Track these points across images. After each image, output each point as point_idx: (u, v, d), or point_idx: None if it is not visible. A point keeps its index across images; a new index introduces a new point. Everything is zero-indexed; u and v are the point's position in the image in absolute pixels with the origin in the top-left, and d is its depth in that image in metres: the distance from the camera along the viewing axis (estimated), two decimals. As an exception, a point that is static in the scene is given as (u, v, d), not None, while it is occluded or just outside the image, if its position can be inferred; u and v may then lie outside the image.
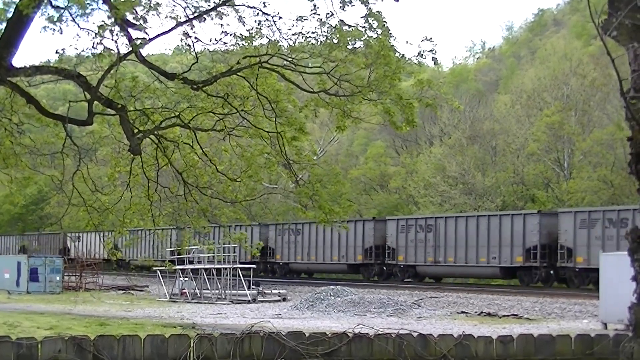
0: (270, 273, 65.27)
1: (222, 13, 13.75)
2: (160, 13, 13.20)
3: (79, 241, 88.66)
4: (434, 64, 14.47)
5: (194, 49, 14.34)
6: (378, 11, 13.50)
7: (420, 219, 55.65)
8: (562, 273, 46.44)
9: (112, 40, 12.99)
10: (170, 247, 54.20)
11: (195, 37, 13.93)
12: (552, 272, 47.38)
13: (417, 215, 59.71)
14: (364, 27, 13.58)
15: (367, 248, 57.70)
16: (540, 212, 48.89)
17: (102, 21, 12.76)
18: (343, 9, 13.55)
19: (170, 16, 13.54)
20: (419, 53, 13.82)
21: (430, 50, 13.80)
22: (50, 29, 12.96)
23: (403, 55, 13.85)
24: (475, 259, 50.24)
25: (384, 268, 57.50)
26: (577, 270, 44.83)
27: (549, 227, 47.04)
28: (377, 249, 57.19)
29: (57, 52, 13.84)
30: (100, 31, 12.71)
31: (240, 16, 13.94)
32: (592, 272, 41.58)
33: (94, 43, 13.04)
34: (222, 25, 13.94)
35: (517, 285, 49.90)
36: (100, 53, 13.07)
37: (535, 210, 50.10)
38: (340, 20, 13.76)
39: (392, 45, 13.61)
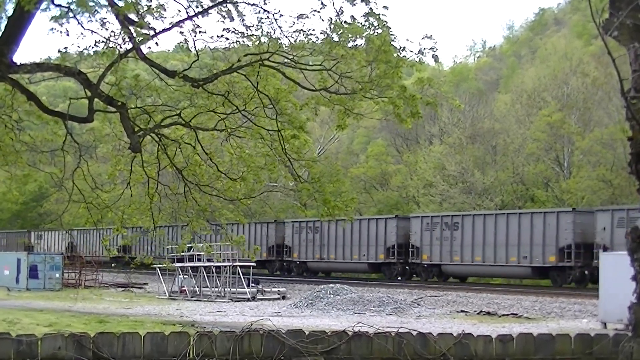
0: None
1: (225, 11, 13.73)
2: (164, 17, 13.21)
3: (40, 239, 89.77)
4: (435, 61, 14.46)
5: (195, 47, 14.35)
6: (379, 13, 13.50)
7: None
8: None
9: (114, 37, 13.01)
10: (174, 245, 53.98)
11: (200, 31, 13.91)
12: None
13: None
14: (365, 24, 13.57)
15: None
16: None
17: (103, 17, 12.78)
18: (352, 4, 13.52)
19: (172, 21, 13.55)
20: (419, 51, 13.80)
21: (432, 48, 13.79)
22: (57, 30, 12.96)
23: (404, 47, 13.83)
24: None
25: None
26: None
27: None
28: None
29: (59, 51, 13.85)
30: (102, 27, 12.73)
31: (240, 12, 13.92)
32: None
33: (96, 41, 13.06)
34: (224, 19, 13.90)
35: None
36: (104, 52, 13.07)
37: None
38: (337, 15, 13.75)
39: (393, 40, 13.59)
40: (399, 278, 55.74)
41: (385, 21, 13.52)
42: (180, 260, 50.87)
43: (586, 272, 45.82)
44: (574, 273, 46.06)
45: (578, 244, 45.25)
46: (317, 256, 60.83)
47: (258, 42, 14.08)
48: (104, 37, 12.97)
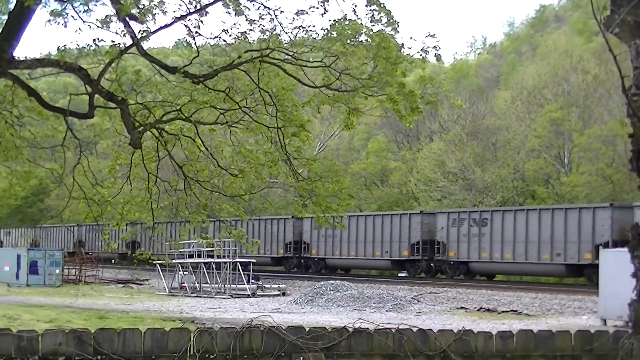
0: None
1: (225, 4, 13.71)
2: (166, 11, 13.19)
3: (9, 236, 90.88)
4: (437, 60, 14.45)
5: (195, 43, 14.34)
6: (382, 3, 13.49)
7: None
8: None
9: (115, 33, 13.01)
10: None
11: (202, 21, 13.90)
12: None
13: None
14: (367, 15, 13.54)
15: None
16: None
17: (105, 17, 12.77)
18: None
19: (174, 16, 13.53)
20: (422, 49, 13.80)
21: (434, 47, 13.80)
22: (55, 21, 12.95)
23: (402, 44, 13.82)
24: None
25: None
26: None
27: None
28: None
29: (58, 49, 13.83)
30: (104, 25, 12.71)
31: (240, 9, 13.90)
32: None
33: (97, 39, 13.06)
34: (228, 12, 13.87)
35: (517, 281, 49.31)
36: (108, 51, 13.08)
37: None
38: (344, 16, 13.74)
39: (394, 33, 13.58)
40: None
41: (388, 10, 13.50)
42: (181, 256, 50.92)
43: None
44: None
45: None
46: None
47: (260, 36, 14.06)
48: (105, 33, 12.96)
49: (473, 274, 52.46)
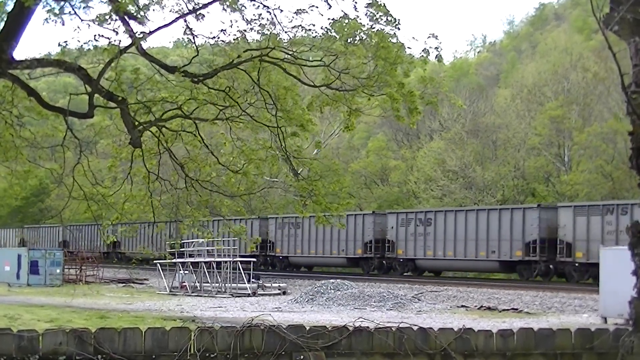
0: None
1: (225, 2, 13.71)
2: (164, 7, 13.19)
3: None
4: (438, 61, 14.45)
5: (195, 42, 14.34)
6: (382, 3, 13.49)
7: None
8: None
9: (113, 31, 13.01)
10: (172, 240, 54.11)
11: (193, 33, 13.93)
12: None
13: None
14: (367, 14, 13.55)
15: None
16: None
17: (103, 14, 12.77)
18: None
19: (172, 10, 13.54)
20: (424, 50, 13.81)
21: (436, 48, 13.81)
22: (52, 20, 12.94)
23: (402, 44, 13.82)
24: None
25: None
26: None
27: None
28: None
29: (59, 44, 13.84)
30: (101, 23, 12.71)
31: (238, 7, 13.90)
32: None
33: (96, 36, 13.05)
34: (224, 9, 13.87)
35: (516, 279, 49.71)
36: (106, 49, 13.07)
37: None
38: (334, 15, 13.73)
39: (394, 34, 13.58)
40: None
41: (388, 10, 13.51)
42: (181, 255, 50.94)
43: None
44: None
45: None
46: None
47: (260, 30, 14.05)
48: (103, 31, 12.95)
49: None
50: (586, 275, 44.48)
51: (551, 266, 46.95)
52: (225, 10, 13.65)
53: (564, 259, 45.28)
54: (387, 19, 13.54)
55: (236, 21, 14.01)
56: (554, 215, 46.50)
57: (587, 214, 44.33)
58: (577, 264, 44.75)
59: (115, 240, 18.77)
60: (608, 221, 43.10)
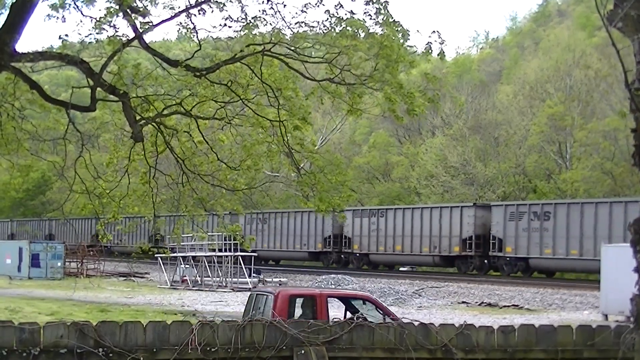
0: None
1: (223, 3, 13.73)
2: (165, 3, 13.21)
3: None
4: (440, 58, 14.46)
5: (197, 36, 14.33)
6: (384, 1, 13.48)
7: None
8: None
9: (113, 27, 13.01)
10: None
11: (194, 27, 13.93)
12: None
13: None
14: (367, 12, 13.55)
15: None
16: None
17: (110, 7, 12.76)
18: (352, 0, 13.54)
19: (170, 7, 13.55)
20: (427, 45, 13.81)
21: (441, 43, 13.81)
22: (54, 16, 12.95)
23: (403, 43, 13.81)
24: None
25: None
26: None
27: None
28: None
29: (60, 37, 13.83)
30: (107, 17, 12.70)
31: (242, 6, 13.92)
32: None
33: (98, 29, 13.04)
34: (225, 10, 13.90)
35: (519, 276, 49.82)
36: (111, 40, 13.06)
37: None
38: (337, 8, 13.72)
39: (395, 34, 13.57)
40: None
41: (387, 10, 13.50)
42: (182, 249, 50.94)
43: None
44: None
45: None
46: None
47: (250, 31, 14.04)
48: (104, 22, 12.94)
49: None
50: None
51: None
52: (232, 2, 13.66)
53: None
54: (387, 20, 13.54)
55: (242, 16, 14.02)
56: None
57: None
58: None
59: (109, 238, 18.68)
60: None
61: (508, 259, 48.23)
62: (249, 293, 17.87)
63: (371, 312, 15.01)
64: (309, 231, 61.83)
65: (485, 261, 50.87)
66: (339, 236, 60.19)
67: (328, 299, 15.21)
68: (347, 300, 16.59)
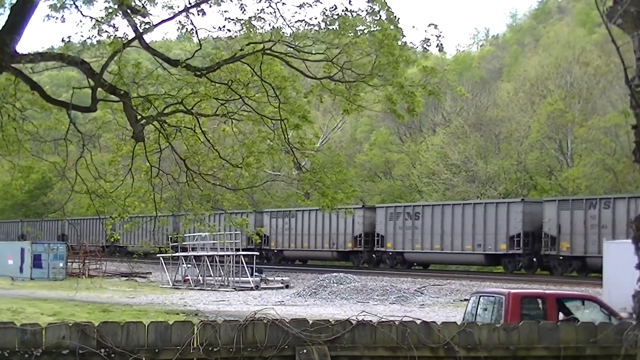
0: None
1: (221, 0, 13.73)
2: (165, 2, 13.22)
3: None
4: (439, 50, 14.44)
5: (197, 36, 14.34)
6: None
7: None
8: None
9: (112, 27, 13.02)
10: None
11: (194, 27, 13.95)
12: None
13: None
14: (367, 9, 13.55)
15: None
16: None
17: (109, 6, 12.76)
18: (350, 3, 13.56)
19: (168, 5, 13.57)
20: (424, 39, 13.80)
21: (438, 37, 13.80)
22: (53, 17, 12.95)
23: (405, 43, 13.83)
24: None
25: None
26: None
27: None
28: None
29: (62, 40, 13.84)
30: (107, 17, 12.71)
31: (242, 4, 13.91)
32: None
33: (98, 30, 13.05)
34: (225, 12, 13.92)
35: (518, 273, 49.86)
36: (110, 42, 13.07)
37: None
38: (346, 9, 13.72)
39: (397, 28, 13.56)
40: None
41: (388, 6, 13.50)
42: (184, 249, 50.96)
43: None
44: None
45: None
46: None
47: (250, 29, 14.04)
48: (103, 22, 12.95)
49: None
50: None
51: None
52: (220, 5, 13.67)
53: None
54: (387, 17, 13.54)
55: (242, 16, 14.03)
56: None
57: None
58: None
59: (117, 237, 18.71)
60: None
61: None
62: (471, 297, 16.60)
63: (593, 313, 14.69)
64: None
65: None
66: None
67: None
68: (561, 300, 15.82)
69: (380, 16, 13.54)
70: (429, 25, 13.88)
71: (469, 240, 50.81)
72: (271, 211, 65.66)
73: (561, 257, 46.48)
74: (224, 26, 14.11)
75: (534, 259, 48.77)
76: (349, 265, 61.39)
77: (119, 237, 40.95)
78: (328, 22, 13.72)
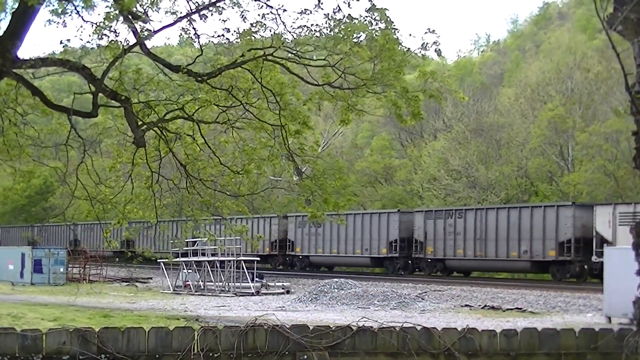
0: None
1: (222, 8, 13.76)
2: (167, 9, 13.24)
3: None
4: (438, 55, 14.46)
5: (199, 42, 14.36)
6: (385, 8, 13.52)
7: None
8: None
9: (114, 32, 13.04)
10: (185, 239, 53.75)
11: (195, 33, 13.97)
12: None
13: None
14: (367, 18, 13.58)
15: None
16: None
17: (109, 12, 12.78)
18: (349, 7, 13.58)
19: (171, 11, 13.58)
20: (422, 45, 13.81)
21: (435, 42, 13.81)
22: (54, 22, 12.97)
23: (408, 49, 13.85)
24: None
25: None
26: None
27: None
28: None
29: (61, 42, 13.85)
30: (106, 22, 12.73)
31: (242, 11, 13.94)
32: None
33: (99, 34, 13.07)
34: (224, 21, 13.97)
35: (521, 278, 49.66)
36: (109, 45, 13.09)
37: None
38: (348, 15, 13.75)
39: (397, 38, 13.59)
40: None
41: (388, 16, 13.52)
42: (185, 254, 50.91)
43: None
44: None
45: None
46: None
47: (250, 37, 14.07)
48: (104, 27, 12.97)
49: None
50: None
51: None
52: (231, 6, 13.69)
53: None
54: (386, 24, 13.56)
55: (242, 21, 14.06)
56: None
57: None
58: None
59: (129, 238, 18.77)
60: None
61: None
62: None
63: None
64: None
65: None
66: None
67: None
68: None
69: (380, 27, 13.56)
70: (426, 31, 13.91)
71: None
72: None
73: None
74: (223, 35, 14.15)
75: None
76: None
77: (117, 245, 41.05)
78: (330, 26, 13.73)
